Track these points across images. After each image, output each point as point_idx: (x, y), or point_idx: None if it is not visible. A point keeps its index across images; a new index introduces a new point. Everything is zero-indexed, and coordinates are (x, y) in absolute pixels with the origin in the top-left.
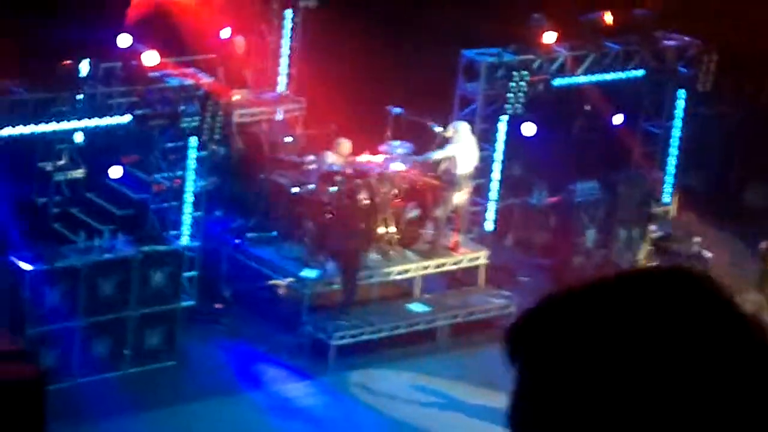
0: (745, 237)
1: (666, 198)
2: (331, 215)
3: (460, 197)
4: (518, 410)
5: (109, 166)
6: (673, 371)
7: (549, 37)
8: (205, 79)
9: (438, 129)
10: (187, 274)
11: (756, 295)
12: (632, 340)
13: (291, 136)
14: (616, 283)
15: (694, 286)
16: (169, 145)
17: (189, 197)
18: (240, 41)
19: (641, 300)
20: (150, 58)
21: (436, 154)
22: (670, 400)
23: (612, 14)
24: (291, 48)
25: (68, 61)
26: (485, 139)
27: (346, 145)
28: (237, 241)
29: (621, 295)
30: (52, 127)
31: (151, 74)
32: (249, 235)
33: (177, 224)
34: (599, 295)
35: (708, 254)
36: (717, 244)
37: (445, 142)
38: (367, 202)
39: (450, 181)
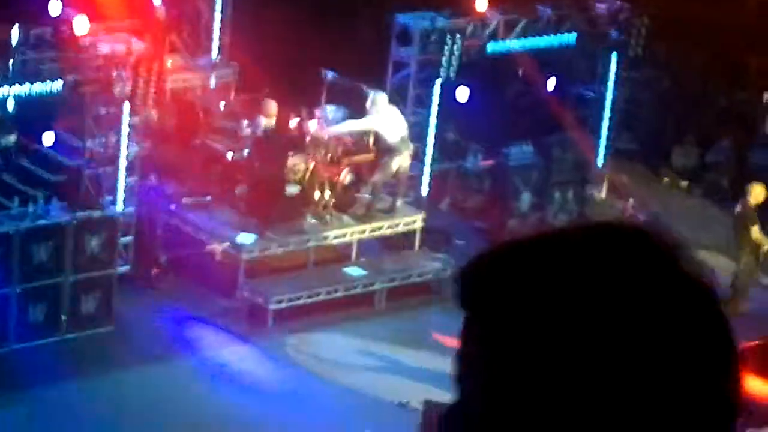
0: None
1: (600, 161)
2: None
3: (400, 162)
4: (467, 356)
5: (42, 133)
6: (614, 325)
7: (481, 2)
8: (137, 45)
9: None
10: (122, 239)
11: (727, 261)
12: (579, 293)
13: (224, 101)
14: (569, 236)
15: (645, 242)
16: (102, 111)
17: (123, 163)
18: (161, 8)
19: (595, 255)
20: (81, 23)
21: (352, 125)
22: (607, 352)
23: None
24: (222, 14)
25: None
26: (420, 104)
27: (272, 105)
28: (172, 206)
29: (575, 248)
30: None
31: (83, 40)
32: (184, 200)
33: (111, 190)
34: (552, 245)
35: (642, 216)
36: (652, 205)
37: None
38: (302, 167)
39: (385, 149)
